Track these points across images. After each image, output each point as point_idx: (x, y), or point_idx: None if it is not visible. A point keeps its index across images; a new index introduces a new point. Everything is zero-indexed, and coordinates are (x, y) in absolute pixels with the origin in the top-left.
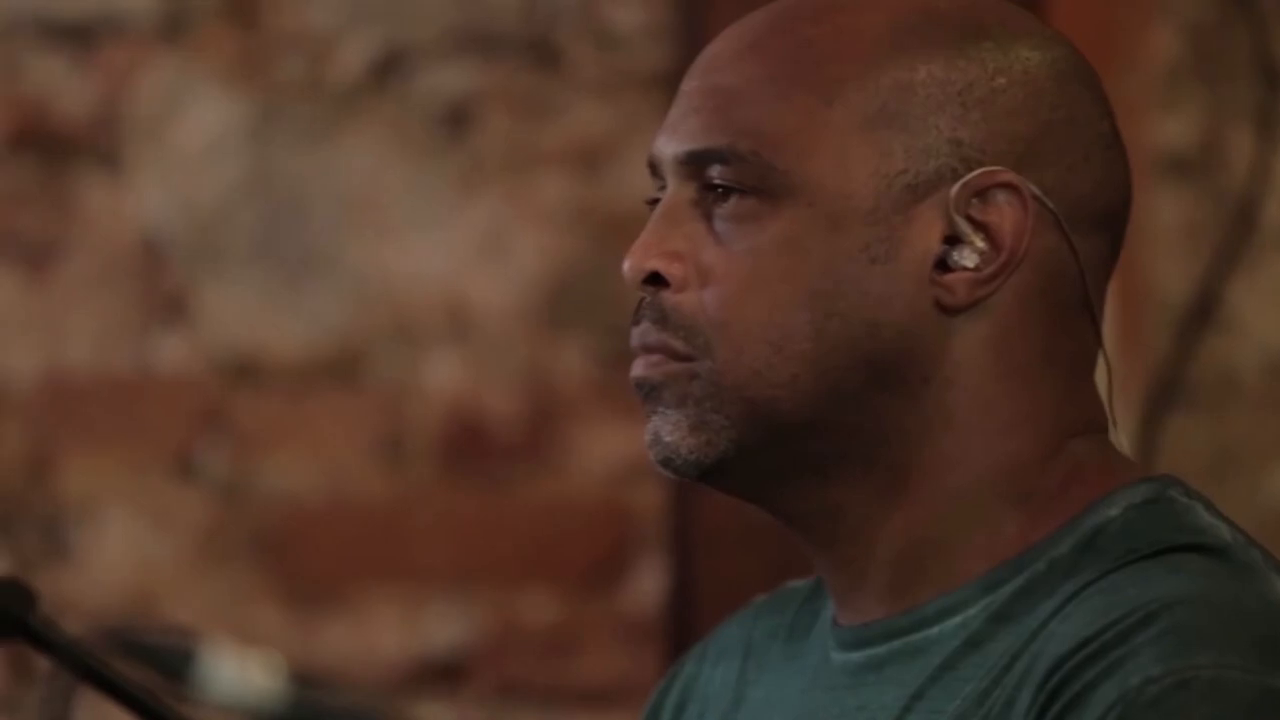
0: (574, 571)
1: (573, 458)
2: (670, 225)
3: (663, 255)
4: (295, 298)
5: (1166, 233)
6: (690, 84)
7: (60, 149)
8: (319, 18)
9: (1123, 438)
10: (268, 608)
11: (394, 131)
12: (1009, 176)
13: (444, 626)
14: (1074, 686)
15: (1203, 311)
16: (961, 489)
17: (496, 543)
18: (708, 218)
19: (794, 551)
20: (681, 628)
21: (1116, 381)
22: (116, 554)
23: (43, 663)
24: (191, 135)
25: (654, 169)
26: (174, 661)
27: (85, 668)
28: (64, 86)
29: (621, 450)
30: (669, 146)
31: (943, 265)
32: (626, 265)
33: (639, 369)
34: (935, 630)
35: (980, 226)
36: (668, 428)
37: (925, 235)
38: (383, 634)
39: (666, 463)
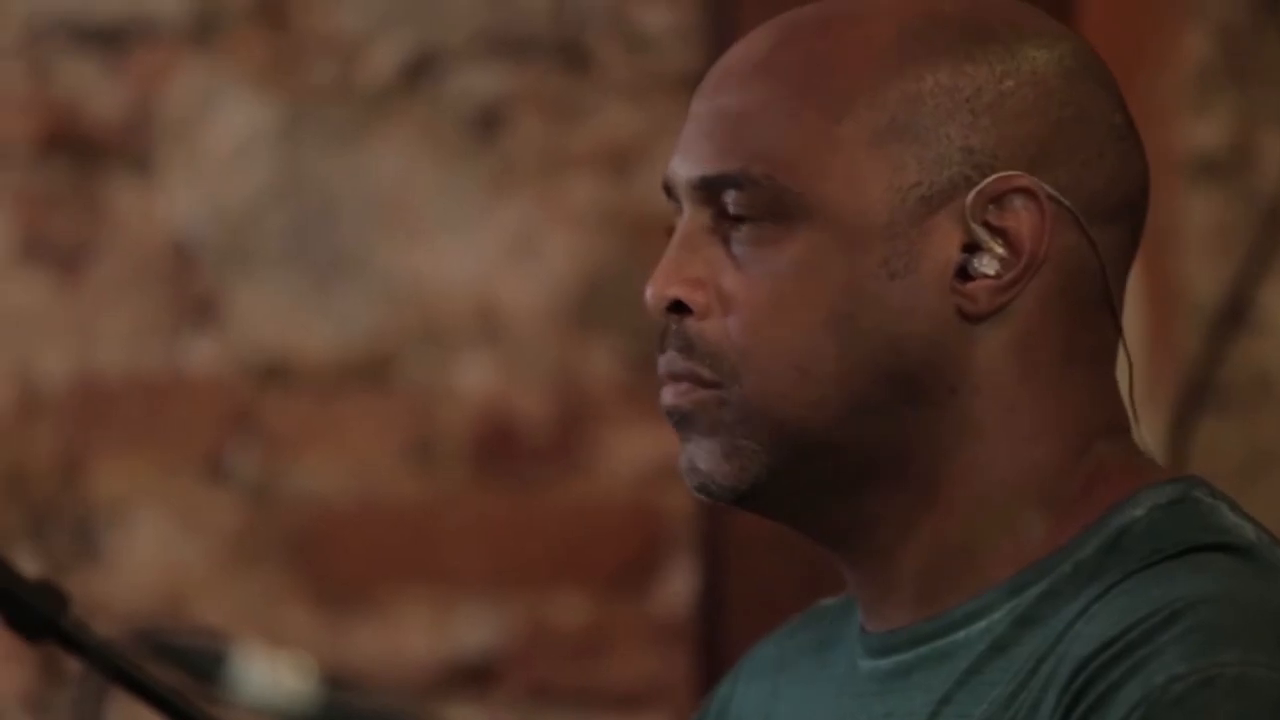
0: (604, 574)
1: (603, 460)
2: (689, 251)
3: (684, 282)
4: (326, 300)
5: (1197, 234)
6: (700, 105)
7: (91, 152)
8: (350, 20)
9: (1143, 430)
10: (298, 610)
11: (424, 134)
12: (1024, 180)
13: (474, 629)
14: (1099, 687)
15: (1234, 313)
16: (989, 495)
17: (526, 545)
18: (725, 242)
19: (826, 555)
20: (712, 630)
21: (1147, 384)
22: (147, 556)
23: (74, 664)
24: (222, 138)
25: (669, 191)
26: (204, 663)
27: (116, 669)
28: (95, 90)
29: (651, 452)
30: (682, 170)
31: (963, 274)
32: (648, 293)
33: (669, 397)
34: (961, 635)
35: (998, 232)
36: (702, 455)
37: (943, 246)
38: (413, 636)
39: (702, 489)
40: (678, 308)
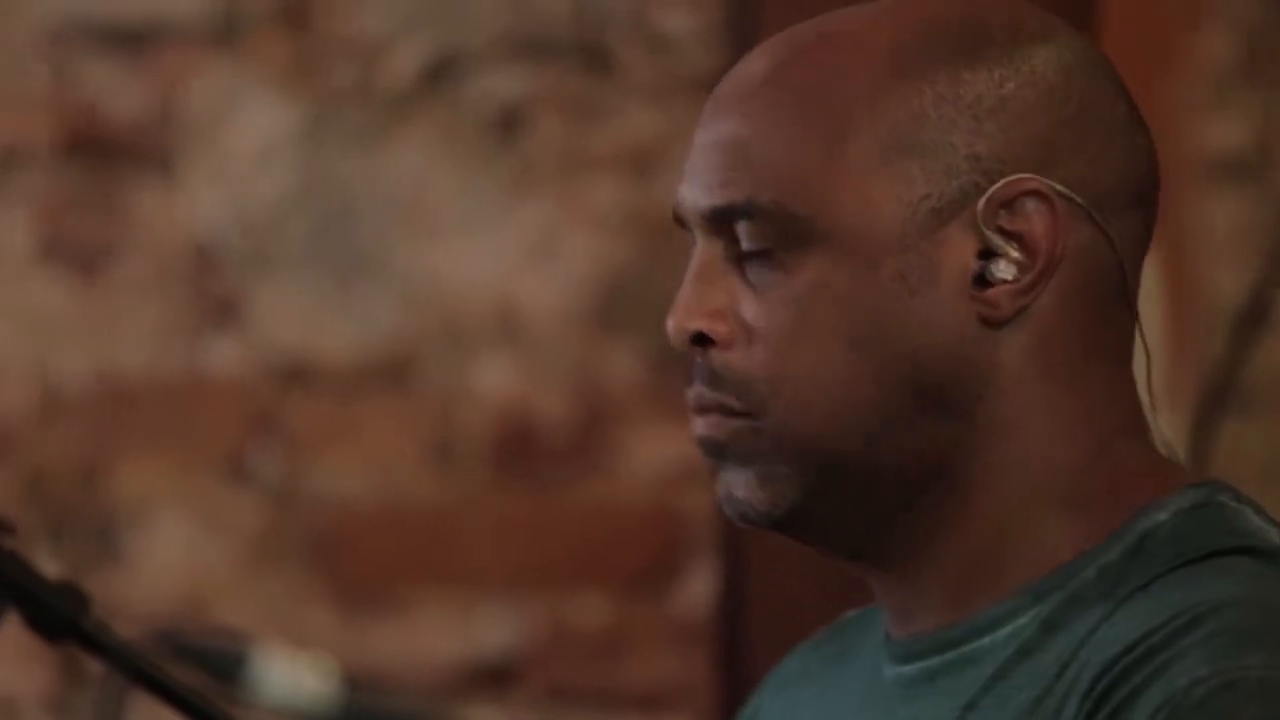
0: (624, 575)
1: (623, 461)
2: (707, 283)
3: (705, 314)
4: (347, 301)
5: (1218, 236)
6: (702, 135)
7: (113, 153)
8: (371, 22)
9: (1161, 422)
10: (319, 611)
11: (445, 136)
12: (1033, 182)
13: (494, 630)
14: (1121, 690)
15: (1255, 315)
16: (1016, 499)
17: (547, 546)
18: (741, 270)
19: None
20: (732, 631)
21: (1167, 386)
22: (168, 557)
23: (95, 665)
24: (244, 139)
25: (680, 221)
26: (226, 664)
27: (137, 670)
28: (117, 91)
29: (672, 453)
30: (691, 201)
31: (981, 281)
32: (670, 326)
33: (700, 429)
34: (987, 640)
35: (1012, 236)
36: (738, 484)
37: (958, 255)
38: (433, 637)
39: (741, 518)
40: (701, 340)
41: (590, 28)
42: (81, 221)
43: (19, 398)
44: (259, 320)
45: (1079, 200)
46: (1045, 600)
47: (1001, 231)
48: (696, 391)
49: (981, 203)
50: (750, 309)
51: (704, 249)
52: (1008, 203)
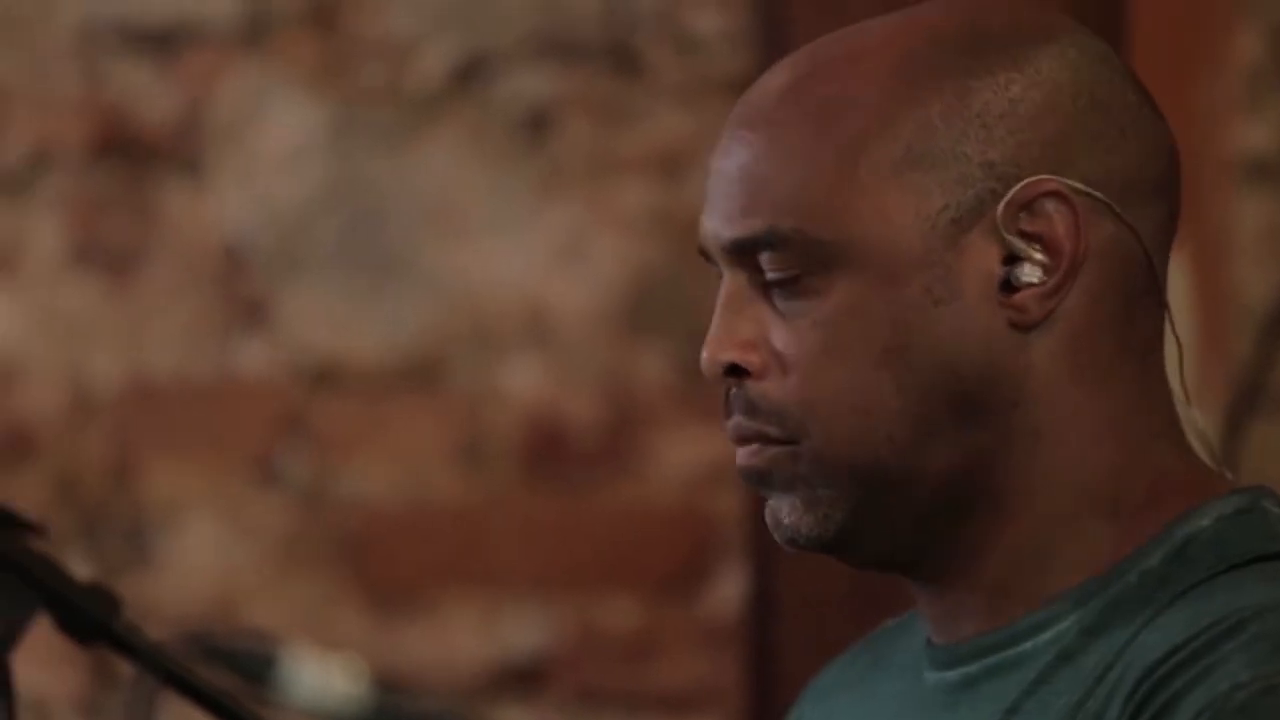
0: (654, 577)
1: (652, 463)
2: (735, 313)
3: (736, 345)
4: (376, 303)
5: (1249, 237)
6: (718, 163)
7: (142, 155)
8: (400, 23)
9: (1195, 414)
10: (348, 612)
11: (474, 137)
12: (1049, 183)
13: (523, 631)
14: (1163, 694)
15: None
16: (1056, 504)
17: (576, 548)
18: (768, 298)
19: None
20: (762, 634)
21: (1197, 387)
22: (198, 559)
23: (126, 667)
24: (273, 141)
25: (705, 255)
26: (256, 666)
27: (168, 672)
28: (146, 93)
29: (701, 455)
30: (712, 231)
31: (1008, 286)
32: (704, 360)
33: (742, 459)
34: (1028, 645)
35: (1035, 239)
36: (785, 510)
37: (982, 262)
38: (462, 639)
39: (791, 543)
40: (734, 371)
41: (619, 29)
42: (111, 223)
43: (50, 400)
44: (288, 322)
45: (1098, 195)
46: (1086, 605)
47: (1023, 235)
48: (735, 422)
49: (1000, 208)
50: (780, 336)
51: (730, 280)
52: (1026, 205)
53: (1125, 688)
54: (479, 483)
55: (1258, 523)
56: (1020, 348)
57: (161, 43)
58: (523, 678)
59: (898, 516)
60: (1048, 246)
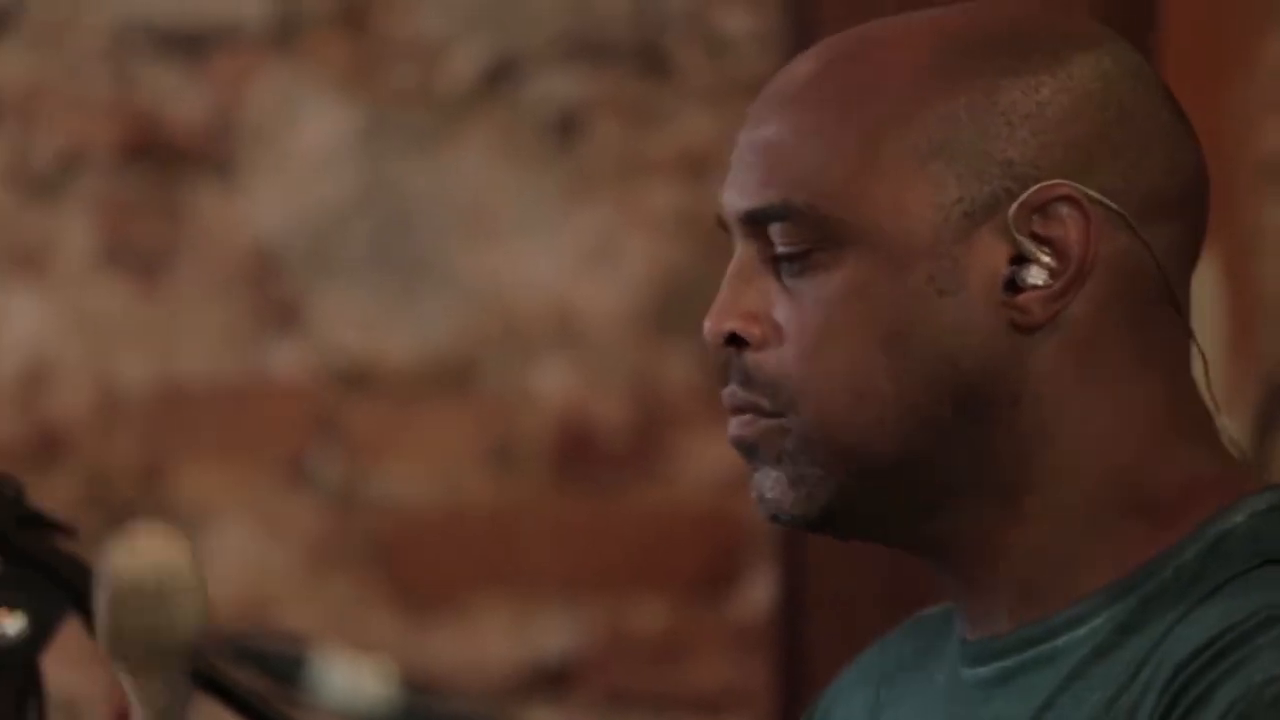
0: (683, 579)
1: (682, 465)
2: (743, 283)
3: (739, 316)
4: (406, 305)
5: (1278, 239)
6: (743, 137)
7: (173, 158)
8: (430, 25)
9: (1225, 421)
10: (379, 614)
11: (504, 139)
12: (1065, 188)
13: (554, 633)
14: (1197, 688)
15: None
16: (1074, 502)
17: (606, 550)
18: (777, 272)
19: (906, 562)
20: (791, 636)
21: (1227, 388)
22: (230, 561)
23: None
24: (303, 143)
25: (722, 224)
26: (286, 667)
27: (199, 673)
28: (177, 96)
29: (730, 458)
30: (729, 201)
31: (1013, 286)
32: (706, 328)
33: (734, 429)
34: (1062, 641)
35: (1045, 242)
36: (769, 484)
37: (990, 259)
38: (492, 640)
39: (774, 518)
40: (735, 340)
41: (648, 30)
42: (142, 225)
43: (81, 402)
44: (319, 324)
45: (1114, 206)
46: (1120, 601)
47: (1034, 237)
48: (730, 391)
49: (1013, 208)
50: (783, 310)
51: (742, 250)
52: (1040, 208)
53: (1159, 682)
54: (509, 485)
55: None
56: (1021, 348)
57: (192, 45)
58: (553, 679)
59: (890, 503)
60: (1057, 251)
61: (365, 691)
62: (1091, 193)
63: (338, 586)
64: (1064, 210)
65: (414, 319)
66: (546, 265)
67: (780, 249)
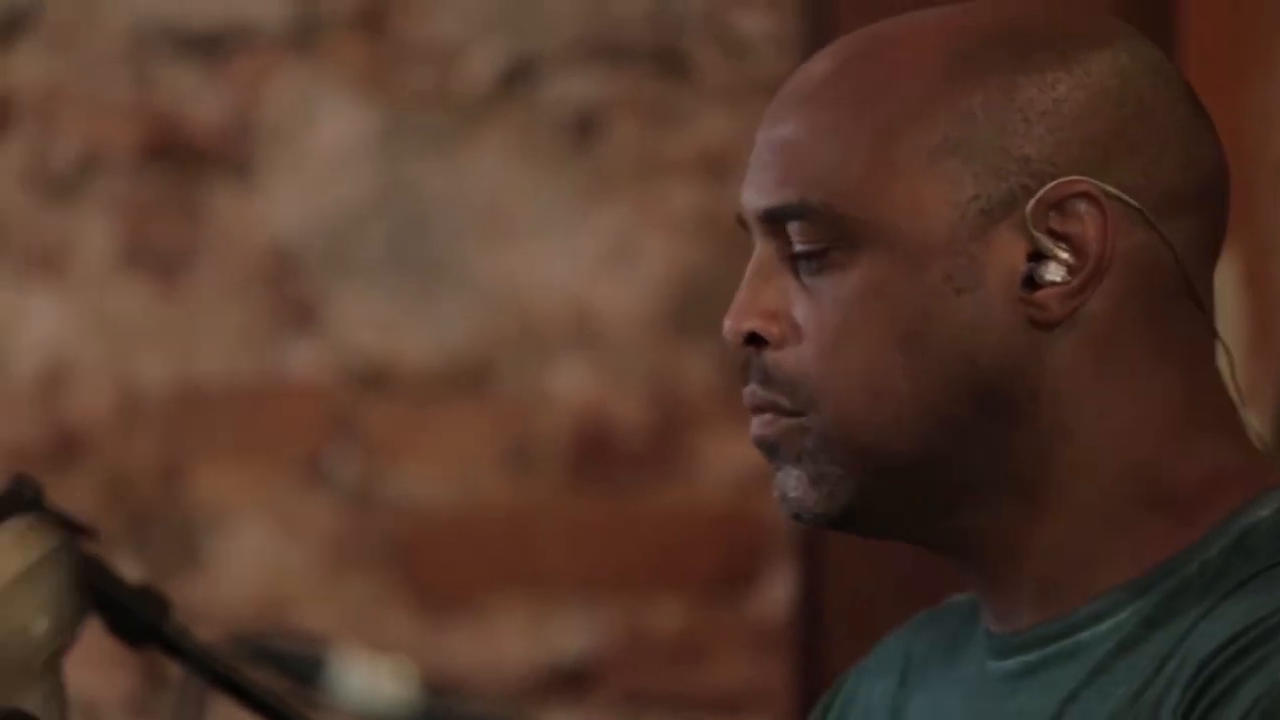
0: (702, 579)
1: (700, 465)
2: (762, 282)
3: (758, 315)
4: (424, 305)
5: None
6: (761, 136)
7: (192, 159)
8: (447, 27)
9: (1251, 417)
10: (397, 614)
11: (522, 140)
12: (1082, 184)
13: (572, 634)
14: (1221, 683)
15: None
16: (1094, 498)
17: (624, 550)
18: (796, 271)
19: (925, 561)
20: (810, 636)
21: (1248, 387)
22: (247, 561)
23: (176, 669)
24: (321, 144)
25: (742, 223)
26: (305, 668)
27: (217, 674)
28: (195, 97)
29: (749, 458)
30: (748, 200)
31: (1030, 283)
32: (725, 326)
33: (755, 428)
34: (1086, 635)
35: (1062, 238)
36: (791, 483)
37: (1007, 256)
38: (511, 641)
39: (796, 517)
40: (754, 340)
41: (666, 31)
42: (161, 226)
43: (99, 402)
44: (337, 324)
45: (1132, 202)
46: (1145, 596)
47: (1051, 233)
48: (750, 390)
49: (1031, 205)
50: (801, 309)
51: (761, 249)
52: (1057, 205)
53: (1184, 677)
54: (527, 485)
55: None
56: (1039, 345)
57: (211, 46)
58: (570, 680)
59: (910, 500)
60: (1074, 247)
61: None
62: (1109, 189)
63: (355, 586)
64: (1081, 207)
65: (431, 319)
66: (564, 266)
67: (798, 247)
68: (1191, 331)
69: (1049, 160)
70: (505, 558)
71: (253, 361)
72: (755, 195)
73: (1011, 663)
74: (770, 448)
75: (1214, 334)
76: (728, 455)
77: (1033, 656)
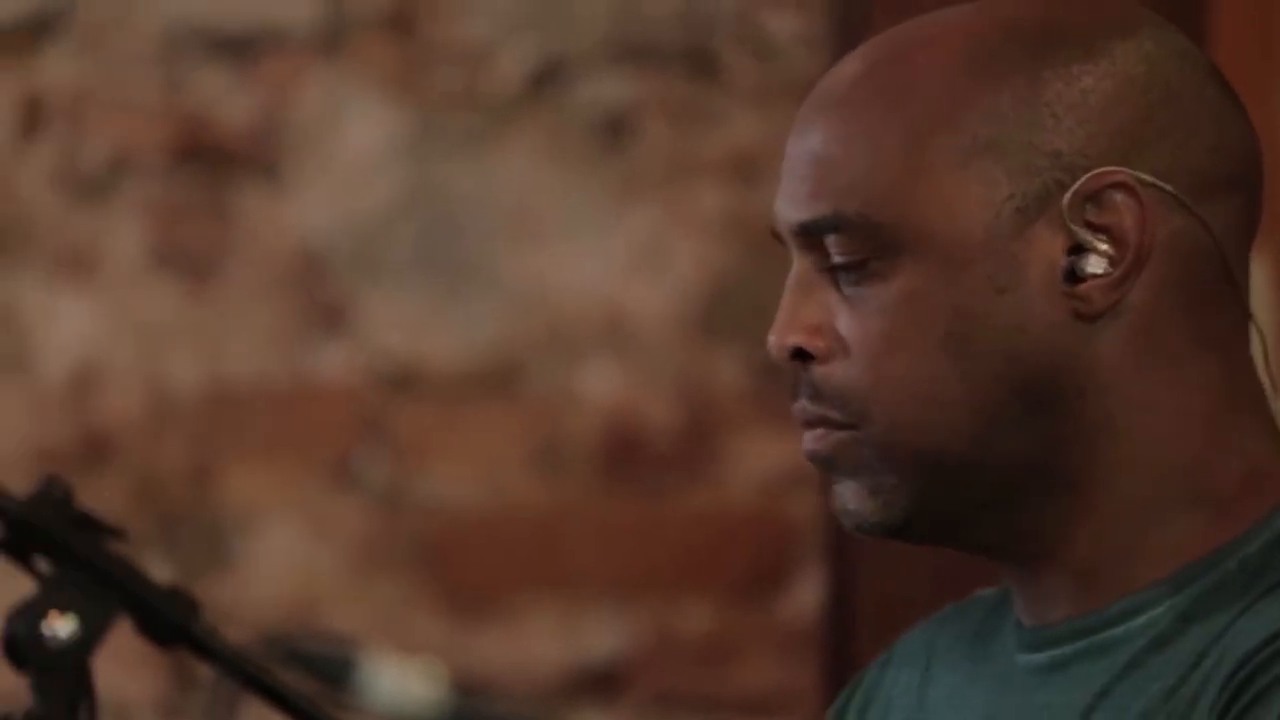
0: (731, 581)
1: (730, 467)
2: (803, 296)
3: (802, 329)
4: (453, 307)
5: None
6: (791, 147)
7: (222, 161)
8: (477, 28)
9: None
10: (426, 616)
11: (551, 141)
12: (1117, 174)
13: (601, 635)
14: (1260, 681)
15: None
16: (1138, 492)
17: (654, 552)
18: (836, 283)
19: (955, 561)
20: (840, 638)
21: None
22: (277, 562)
23: (206, 671)
24: (351, 146)
25: (777, 237)
26: (335, 669)
27: (247, 675)
28: (225, 99)
29: (779, 459)
30: (782, 214)
31: (1072, 277)
32: (770, 343)
33: (808, 443)
34: (1120, 630)
35: (1101, 230)
36: (849, 495)
37: (1047, 252)
38: (540, 643)
39: (857, 528)
40: (800, 354)
41: (696, 32)
42: (191, 228)
43: (130, 404)
44: (366, 326)
45: (1167, 188)
46: (1182, 592)
47: (1089, 226)
48: (800, 406)
49: (1066, 198)
50: (845, 321)
51: (799, 263)
52: (1093, 197)
53: (1221, 674)
54: (556, 487)
55: None
56: (1085, 338)
57: (241, 48)
58: (600, 682)
59: (965, 503)
60: (1114, 238)
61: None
62: (1144, 176)
63: (384, 588)
64: (1118, 197)
65: (461, 321)
66: (594, 267)
67: (836, 259)
68: (1229, 317)
69: (1081, 153)
70: (535, 559)
71: (282, 363)
72: (789, 209)
73: (1042, 656)
74: (826, 462)
75: (1248, 314)
76: (757, 457)
77: (1065, 650)
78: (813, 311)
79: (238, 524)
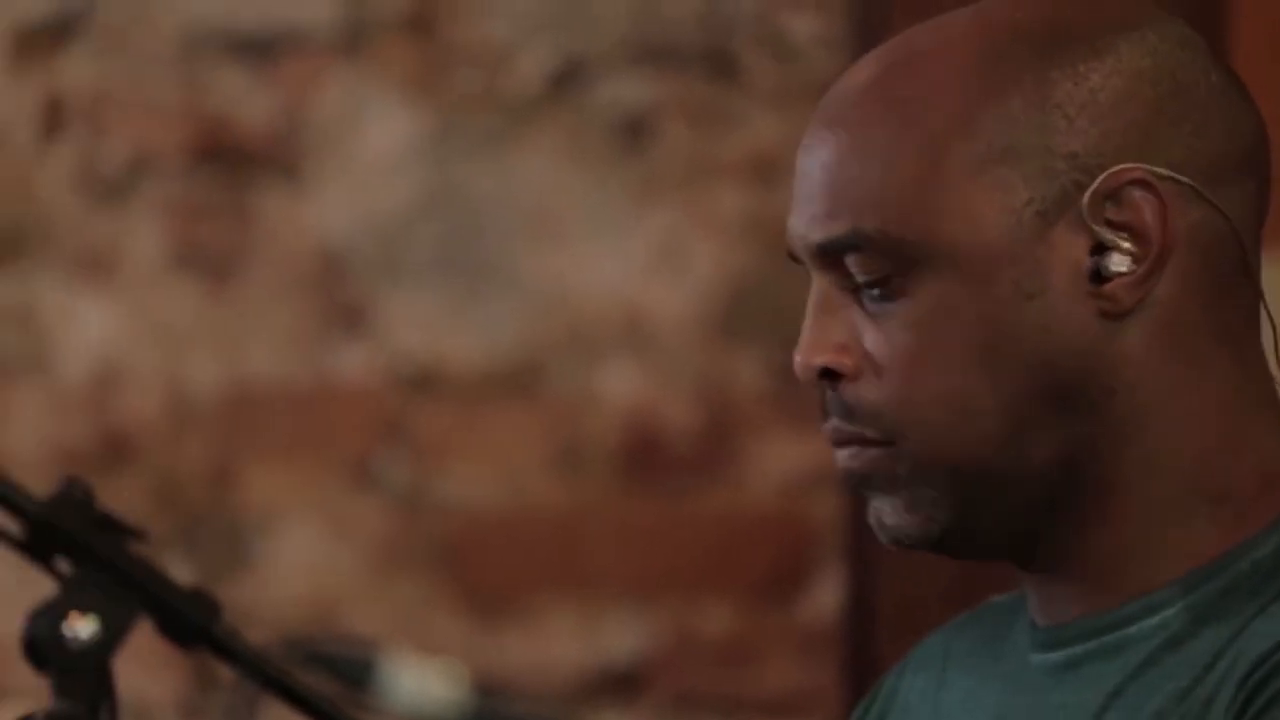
0: (751, 582)
1: (750, 468)
2: (827, 315)
3: (829, 350)
4: (473, 308)
5: None
6: (803, 162)
7: (242, 161)
8: (497, 29)
9: None
10: (446, 617)
11: (571, 142)
12: (1134, 171)
13: (621, 636)
14: (1275, 684)
15: None
16: (1158, 492)
17: (674, 553)
18: (859, 300)
19: (973, 564)
20: (860, 640)
21: None
22: (297, 563)
23: (226, 672)
24: (371, 147)
25: (794, 257)
26: (355, 670)
27: (268, 677)
28: (245, 100)
29: (799, 461)
30: (798, 234)
31: (1097, 277)
32: (797, 364)
33: (842, 461)
34: (1134, 629)
35: (1122, 228)
36: (887, 511)
37: (1070, 254)
38: (560, 644)
39: (896, 543)
40: (828, 374)
41: (716, 34)
42: (210, 229)
43: (149, 405)
44: (386, 327)
45: (1184, 180)
46: (1195, 592)
47: (1110, 224)
48: (833, 425)
49: (1085, 199)
50: (871, 338)
51: (819, 282)
52: (1112, 195)
53: (1236, 675)
54: (576, 487)
55: None
56: (1113, 336)
57: (261, 49)
58: (620, 682)
59: (1003, 512)
60: (1136, 235)
61: (434, 694)
62: (1160, 170)
63: (404, 589)
64: (1136, 193)
65: (481, 322)
66: (614, 268)
67: (859, 277)
68: (1242, 310)
69: (1095, 152)
70: (554, 560)
71: (302, 364)
72: (806, 228)
73: (1056, 655)
74: (862, 480)
75: (1260, 297)
76: (777, 458)
77: (1078, 649)
78: (838, 330)
79: (258, 525)
